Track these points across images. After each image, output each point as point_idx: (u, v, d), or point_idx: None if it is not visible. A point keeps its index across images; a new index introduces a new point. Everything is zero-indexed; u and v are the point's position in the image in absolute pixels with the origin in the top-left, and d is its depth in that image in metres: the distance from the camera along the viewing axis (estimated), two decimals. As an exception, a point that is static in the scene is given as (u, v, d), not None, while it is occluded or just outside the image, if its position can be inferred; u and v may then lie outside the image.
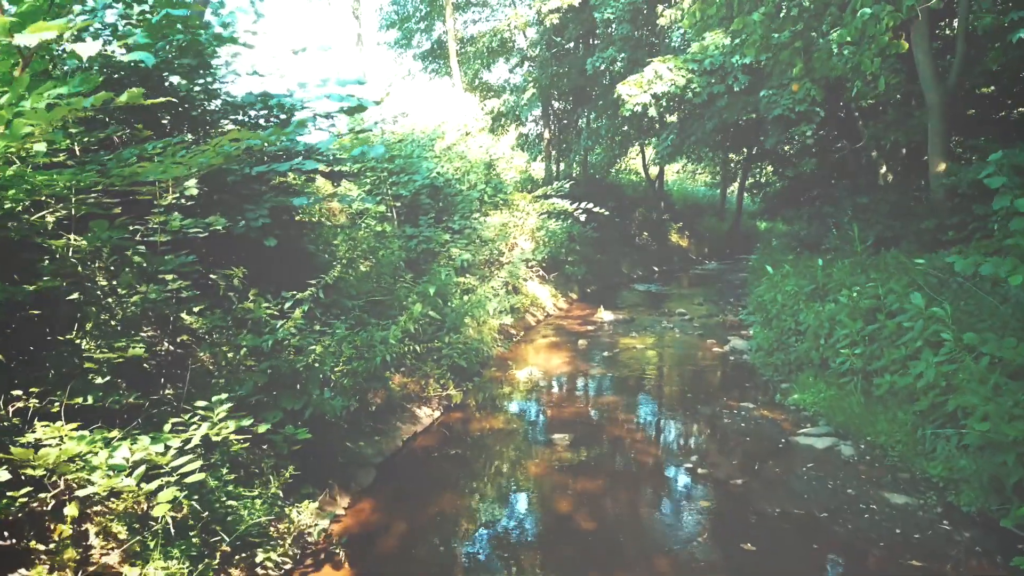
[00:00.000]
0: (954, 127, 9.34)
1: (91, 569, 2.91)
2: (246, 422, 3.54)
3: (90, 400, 3.16)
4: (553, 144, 21.05)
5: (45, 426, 2.86)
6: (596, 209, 11.82)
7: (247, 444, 3.70)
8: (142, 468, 2.89)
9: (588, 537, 4.11)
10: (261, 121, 5.77)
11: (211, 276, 4.47)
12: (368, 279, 7.07)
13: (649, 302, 13.82)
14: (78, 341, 3.49)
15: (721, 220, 26.47)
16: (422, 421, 6.16)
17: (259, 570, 3.49)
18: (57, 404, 3.07)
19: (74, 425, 2.92)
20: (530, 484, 4.93)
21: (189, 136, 5.11)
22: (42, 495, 2.84)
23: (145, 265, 3.90)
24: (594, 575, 3.71)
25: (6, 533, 2.75)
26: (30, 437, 2.79)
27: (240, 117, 5.70)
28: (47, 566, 2.77)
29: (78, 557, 2.89)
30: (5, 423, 2.94)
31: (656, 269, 19.55)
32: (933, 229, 8.10)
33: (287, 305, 4.85)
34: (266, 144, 4.37)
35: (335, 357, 5.00)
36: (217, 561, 3.30)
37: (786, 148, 14.22)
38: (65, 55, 4.27)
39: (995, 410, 3.99)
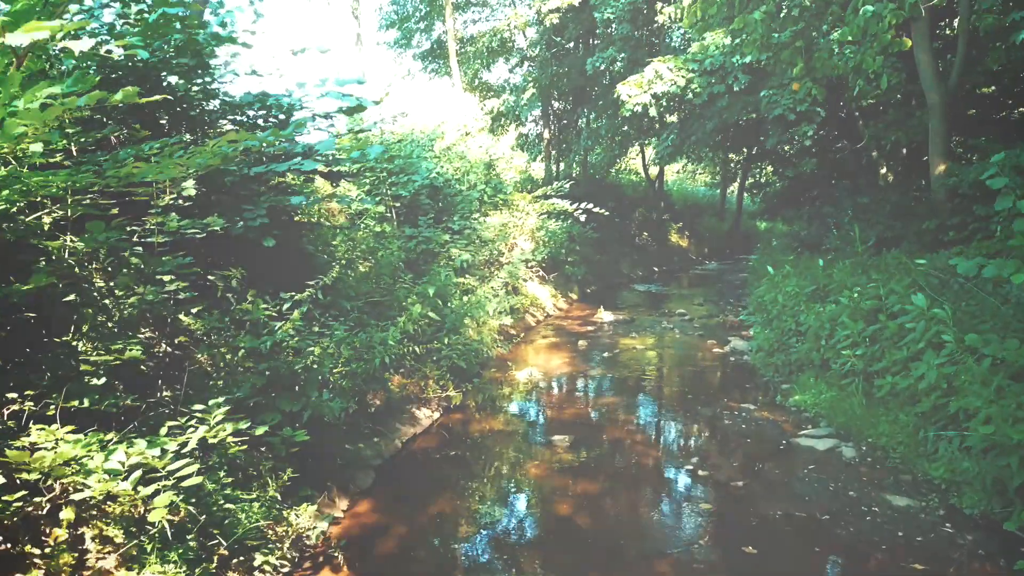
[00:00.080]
0: (955, 127, 9.32)
1: (87, 573, 2.89)
2: (243, 425, 3.51)
3: (86, 403, 3.14)
4: (553, 144, 21.02)
5: (40, 429, 2.83)
6: (596, 209, 11.80)
7: (245, 447, 3.67)
8: (138, 472, 2.87)
9: (588, 539, 4.08)
10: (260, 121, 5.74)
11: (209, 277, 4.45)
12: (367, 280, 7.04)
13: (649, 302, 13.80)
14: (75, 343, 3.46)
15: (721, 220, 26.45)
16: (421, 422, 6.14)
17: (257, 573, 3.46)
18: (53, 407, 3.04)
19: (70, 428, 2.90)
20: (530, 486, 4.90)
21: (188, 136, 5.08)
22: (37, 499, 2.81)
23: (143, 266, 3.87)
24: (594, 578, 3.69)
25: (1, 538, 2.72)
26: (25, 441, 2.76)
27: (238, 117, 5.67)
28: (43, 571, 2.75)
29: (74, 561, 2.86)
30: (0, 426, 2.92)
31: (656, 269, 19.52)
32: (934, 229, 8.08)
33: (286, 306, 4.82)
34: (264, 145, 4.34)
35: (334, 358, 4.97)
36: (214, 565, 3.28)
37: (786, 148, 14.20)
38: (62, 55, 4.25)
39: (998, 412, 3.97)
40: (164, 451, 3.01)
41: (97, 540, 3.00)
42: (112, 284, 3.81)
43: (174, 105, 5.16)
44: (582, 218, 12.04)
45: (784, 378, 7.23)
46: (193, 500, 3.26)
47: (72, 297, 3.50)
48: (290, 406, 4.28)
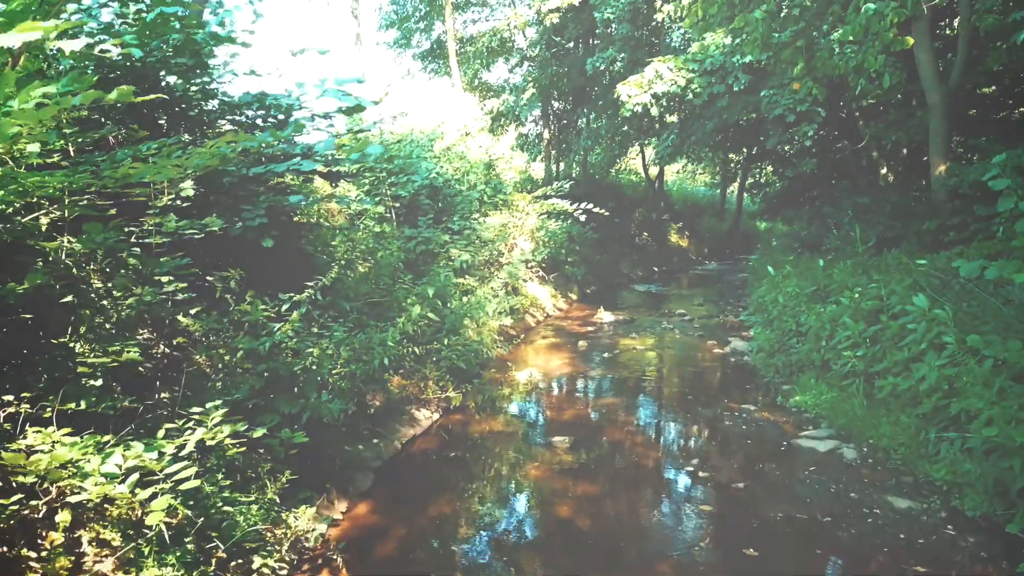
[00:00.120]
0: (955, 127, 9.31)
1: (84, 577, 2.87)
2: (240, 427, 3.48)
3: (83, 405, 3.11)
4: (553, 144, 21.00)
5: (37, 432, 2.81)
6: (596, 209, 11.78)
7: (243, 449, 3.65)
8: (136, 475, 2.85)
9: (588, 541, 4.07)
10: (258, 121, 5.72)
11: (208, 278, 4.43)
12: (367, 280, 7.02)
13: (649, 303, 13.78)
14: (72, 344, 3.44)
15: (721, 220, 26.44)
16: (421, 424, 6.12)
17: (255, 576, 3.44)
18: (49, 409, 3.02)
19: (66, 431, 2.88)
20: (530, 487, 4.88)
21: (186, 136, 5.06)
22: (34, 502, 2.79)
23: (141, 267, 3.85)
24: (595, 581, 3.67)
25: (-3, 541, 2.71)
26: (22, 443, 2.74)
27: (237, 117, 5.65)
28: (39, 575, 2.73)
29: (71, 565, 2.84)
30: (-4, 429, 2.90)
31: (656, 269, 19.51)
32: (935, 230, 8.06)
33: (284, 307, 4.80)
34: (263, 146, 4.32)
35: (333, 360, 4.95)
36: (212, 568, 3.25)
37: (786, 148, 14.18)
38: (59, 55, 4.23)
39: (1000, 414, 3.95)
40: (161, 454, 2.99)
41: (94, 543, 2.98)
42: (110, 285, 3.79)
43: (173, 105, 5.14)
44: (582, 218, 12.02)
45: (785, 379, 7.22)
46: (191, 503, 3.25)
47: (69, 298, 3.48)
48: (289, 408, 4.26)
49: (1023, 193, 4.46)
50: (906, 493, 4.51)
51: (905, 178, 11.16)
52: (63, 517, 2.77)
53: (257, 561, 3.46)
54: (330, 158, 5.68)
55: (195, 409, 3.45)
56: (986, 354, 4.44)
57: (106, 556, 2.97)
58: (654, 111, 12.45)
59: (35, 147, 3.25)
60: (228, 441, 3.49)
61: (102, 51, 3.74)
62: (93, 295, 3.70)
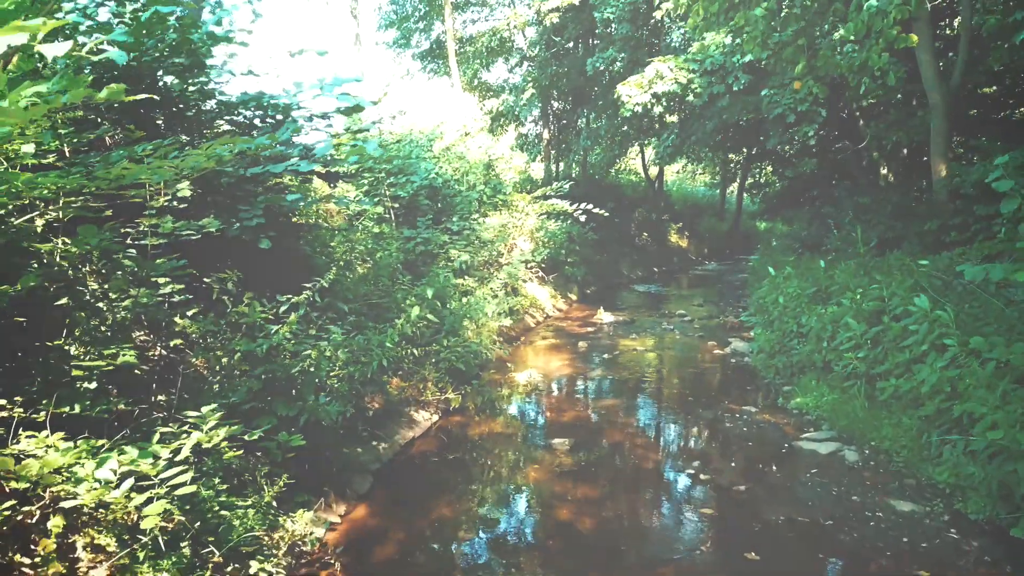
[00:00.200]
0: (956, 127, 9.29)
1: (78, 583, 2.83)
2: (235, 429, 3.45)
3: (77, 409, 3.08)
4: (552, 144, 20.97)
5: (30, 436, 2.77)
6: (595, 210, 11.75)
7: (240, 452, 3.62)
8: (130, 480, 2.81)
9: (589, 544, 4.03)
10: (256, 121, 5.69)
11: (205, 280, 4.39)
12: (365, 282, 6.99)
13: (649, 303, 13.75)
14: (66, 347, 3.40)
15: (721, 220, 26.43)
16: (420, 425, 6.08)
17: (252, 581, 3.40)
18: (43, 413, 2.99)
19: (60, 435, 2.84)
20: (530, 490, 4.85)
21: (184, 137, 5.03)
22: (26, 508, 2.75)
23: (137, 269, 3.81)
24: (595, 586, 3.64)
25: (-10, 547, 2.67)
26: (15, 448, 2.71)
27: (235, 117, 5.62)
28: (32, 581, 2.69)
29: (64, 571, 2.81)
30: (-11, 433, 2.86)
31: (656, 270, 19.48)
32: (936, 230, 8.03)
33: (282, 309, 4.76)
34: (258, 149, 4.29)
35: (331, 362, 4.91)
36: (208, 573, 3.21)
37: (786, 148, 14.16)
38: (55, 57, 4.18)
39: (1004, 418, 3.91)
40: (156, 459, 2.96)
41: (89, 549, 2.95)
42: (106, 287, 3.75)
43: (170, 105, 5.11)
44: (582, 218, 11.99)
45: (785, 380, 7.18)
46: (187, 507, 3.21)
47: (64, 300, 3.44)
48: (287, 410, 4.23)
49: (1026, 194, 4.43)
50: (909, 496, 4.48)
51: (906, 178, 11.13)
52: (55, 523, 2.73)
53: (254, 566, 3.42)
54: (329, 158, 5.65)
55: (191, 413, 3.41)
56: (989, 356, 4.41)
57: (100, 562, 2.94)
58: (659, 109, 12.41)
59: (30, 148, 3.22)
60: (225, 444, 3.45)
61: (91, 51, 3.70)
62: (88, 297, 3.66)
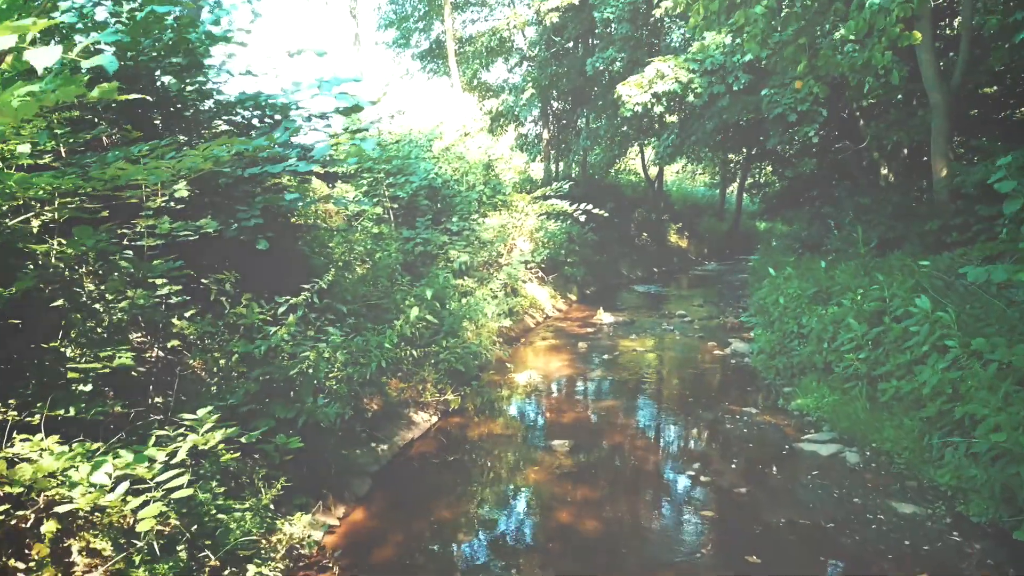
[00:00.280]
0: (957, 127, 9.27)
1: (73, 587, 2.80)
2: (232, 431, 3.42)
3: (72, 411, 3.05)
4: (552, 144, 20.94)
5: (24, 439, 2.75)
6: (595, 210, 11.72)
7: (237, 454, 3.59)
8: (126, 484, 2.78)
9: (589, 547, 4.01)
10: (255, 122, 5.66)
11: (202, 281, 4.36)
12: (364, 282, 6.96)
13: (649, 303, 13.73)
14: (62, 349, 3.38)
15: (721, 220, 26.42)
16: (419, 427, 6.06)
17: (249, 585, 3.37)
18: (38, 416, 2.96)
19: (55, 438, 2.81)
20: (529, 492, 4.82)
21: (182, 137, 5.00)
22: (20, 512, 2.73)
23: (133, 270, 3.79)
24: (595, 589, 3.61)
25: (-16, 551, 2.64)
26: (9, 452, 2.68)
27: (233, 117, 5.59)
28: (26, 585, 2.67)
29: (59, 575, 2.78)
30: (-17, 436, 2.83)
31: (655, 270, 19.46)
32: (937, 230, 8.01)
33: (281, 310, 4.74)
34: (256, 150, 4.26)
35: (329, 363, 4.89)
36: (205, 577, 3.19)
37: (786, 148, 14.13)
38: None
39: (1006, 420, 3.89)
40: (152, 462, 2.93)
41: (84, 553, 2.92)
42: (102, 288, 3.72)
43: (168, 105, 5.08)
44: (581, 219, 11.96)
45: (786, 381, 7.16)
46: (183, 510, 3.18)
47: (60, 302, 3.41)
48: (285, 412, 4.20)
49: (1028, 194, 4.41)
50: (910, 498, 4.45)
51: (906, 178, 11.11)
52: (50, 527, 2.70)
53: (251, 570, 3.39)
54: (327, 158, 5.62)
55: (188, 416, 3.38)
56: (990, 358, 4.38)
57: (96, 566, 2.91)
58: (660, 108, 12.37)
59: (25, 148, 3.19)
60: (222, 447, 3.43)
61: (84, 51, 3.68)
62: (84, 299, 3.63)
